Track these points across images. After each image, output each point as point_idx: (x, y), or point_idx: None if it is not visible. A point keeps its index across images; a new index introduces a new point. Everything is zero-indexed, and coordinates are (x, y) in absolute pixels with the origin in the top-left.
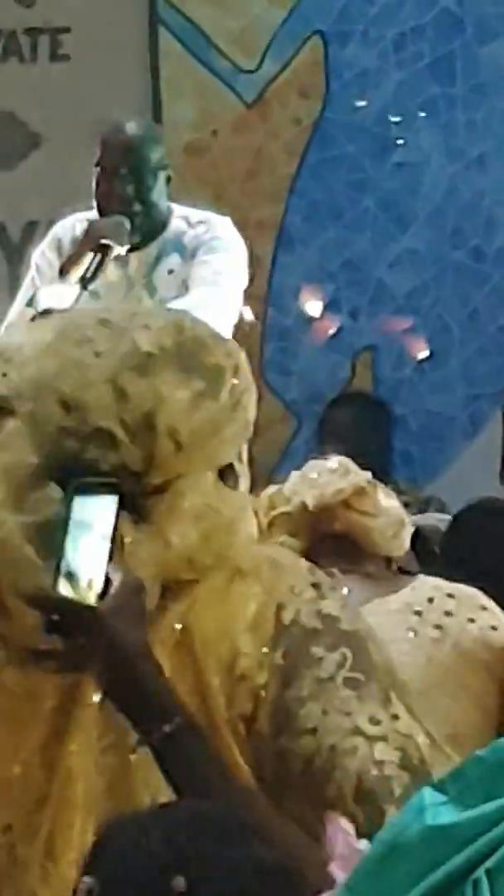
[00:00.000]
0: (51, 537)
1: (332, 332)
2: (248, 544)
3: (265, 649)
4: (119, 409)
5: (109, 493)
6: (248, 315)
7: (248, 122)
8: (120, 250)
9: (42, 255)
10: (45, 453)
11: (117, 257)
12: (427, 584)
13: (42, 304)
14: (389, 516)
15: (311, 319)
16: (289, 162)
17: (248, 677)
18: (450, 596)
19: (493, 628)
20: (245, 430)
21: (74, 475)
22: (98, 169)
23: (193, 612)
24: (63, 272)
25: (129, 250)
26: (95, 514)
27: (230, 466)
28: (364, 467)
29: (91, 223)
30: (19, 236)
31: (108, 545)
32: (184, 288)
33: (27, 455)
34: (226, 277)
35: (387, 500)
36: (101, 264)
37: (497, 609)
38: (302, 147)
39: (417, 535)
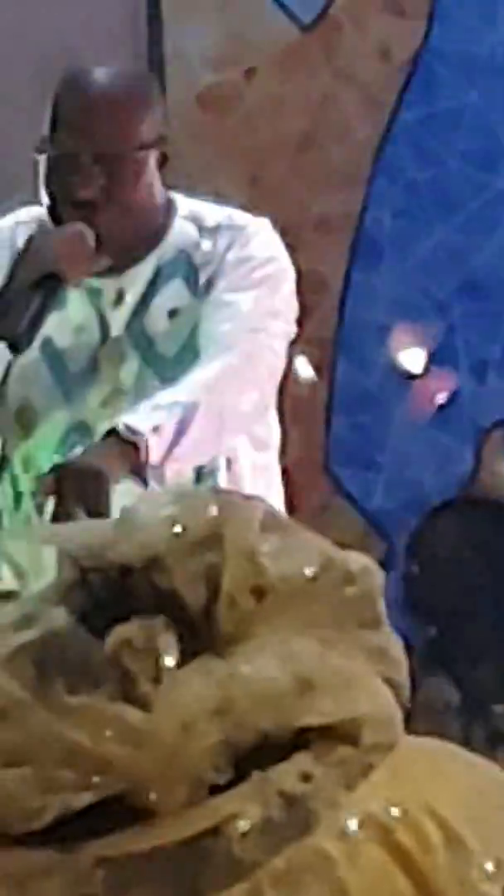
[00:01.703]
0: None
1: (442, 398)
2: None
3: None
4: None
5: None
6: (306, 370)
7: (305, 55)
8: (80, 281)
9: None
10: None
11: (79, 284)
12: None
13: None
14: None
15: (408, 377)
16: (371, 120)
17: None
18: None
19: None
20: None
21: None
22: (46, 149)
23: None
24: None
25: (101, 275)
26: None
27: None
28: (482, 629)
29: (31, 240)
30: None
31: None
32: (193, 338)
33: None
34: (254, 339)
35: None
36: (44, 309)
37: None
38: (393, 96)
39: None
